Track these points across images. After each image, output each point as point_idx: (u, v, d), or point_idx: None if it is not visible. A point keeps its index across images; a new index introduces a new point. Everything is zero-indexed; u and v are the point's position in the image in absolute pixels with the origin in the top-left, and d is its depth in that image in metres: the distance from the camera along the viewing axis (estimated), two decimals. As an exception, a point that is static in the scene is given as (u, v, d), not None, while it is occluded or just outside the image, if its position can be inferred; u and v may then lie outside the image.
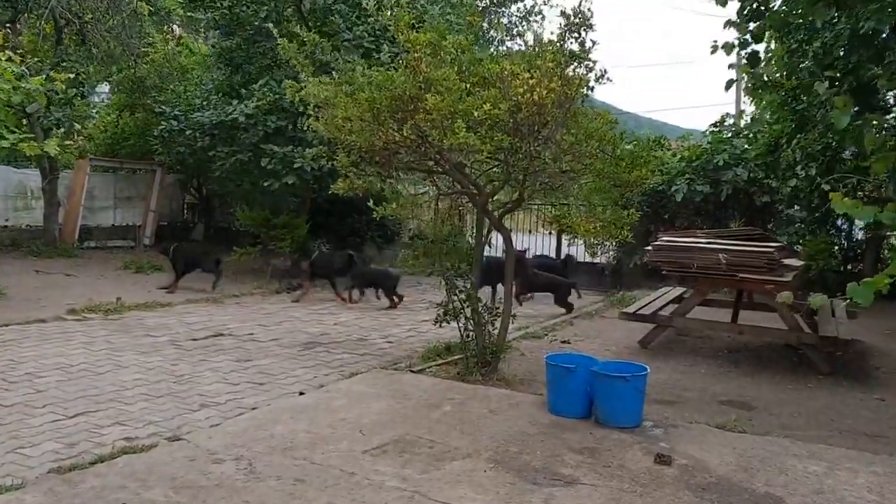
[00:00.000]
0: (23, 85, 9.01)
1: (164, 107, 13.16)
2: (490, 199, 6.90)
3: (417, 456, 4.75)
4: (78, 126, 13.95)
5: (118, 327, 8.73)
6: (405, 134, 6.29)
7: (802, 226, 13.17)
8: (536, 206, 15.41)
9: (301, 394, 6.11)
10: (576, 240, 6.85)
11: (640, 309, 8.89)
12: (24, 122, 13.59)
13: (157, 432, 5.13)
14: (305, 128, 7.69)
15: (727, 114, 15.26)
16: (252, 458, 4.59)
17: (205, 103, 12.76)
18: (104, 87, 18.81)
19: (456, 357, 7.48)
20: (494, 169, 6.70)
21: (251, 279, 13.01)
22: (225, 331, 8.79)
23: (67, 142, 8.94)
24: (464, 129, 5.61)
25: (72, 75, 9.66)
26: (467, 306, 6.80)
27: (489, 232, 7.16)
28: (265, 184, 11.48)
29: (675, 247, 8.34)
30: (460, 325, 6.88)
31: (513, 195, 6.92)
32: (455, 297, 6.80)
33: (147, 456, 4.58)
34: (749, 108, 17.98)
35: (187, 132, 12.58)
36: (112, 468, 4.36)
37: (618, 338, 9.21)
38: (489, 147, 5.84)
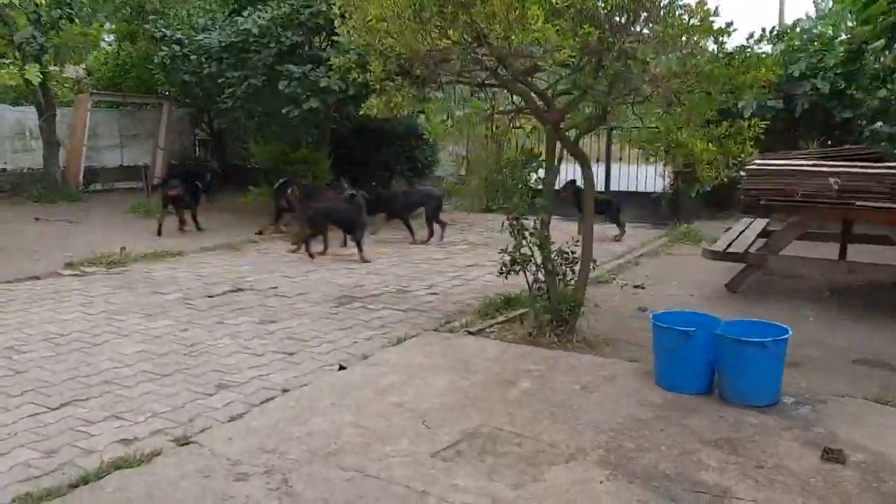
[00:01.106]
0: (-7, 1, 7.66)
1: (164, 30, 11.68)
2: (564, 117, 5.53)
3: (504, 458, 3.57)
4: (73, 56, 12.50)
5: (121, 283, 7.57)
6: (453, 37, 4.91)
7: (888, 144, 11.59)
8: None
9: (341, 367, 4.92)
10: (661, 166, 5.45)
11: (728, 246, 7.57)
12: (16, 54, 12.29)
13: (162, 429, 3.98)
14: (325, 45, 6.30)
15: (803, 17, 13.41)
16: (287, 469, 3.43)
17: (210, 23, 11.25)
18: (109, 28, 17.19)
19: (519, 311, 6.27)
20: (567, 77, 5.28)
21: (268, 222, 11.76)
22: (244, 284, 7.61)
23: (53, 67, 7.58)
24: (541, 19, 4.21)
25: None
26: (540, 252, 5.53)
27: (560, 159, 5.82)
28: (284, 111, 10.06)
29: (776, 171, 6.95)
30: (528, 274, 5.62)
31: (592, 110, 5.54)
32: (524, 242, 5.52)
33: (147, 471, 3.42)
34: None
35: (192, 58, 11.13)
36: (98, 494, 3.22)
37: (698, 279, 7.92)
38: (572, 44, 4.44)
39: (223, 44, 10.60)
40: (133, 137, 16.88)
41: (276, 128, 12.10)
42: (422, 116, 12.82)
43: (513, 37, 4.40)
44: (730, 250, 7.40)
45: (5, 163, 14.99)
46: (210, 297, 7.05)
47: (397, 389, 4.43)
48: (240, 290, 7.37)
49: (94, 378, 4.76)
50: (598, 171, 13.82)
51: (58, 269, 8.01)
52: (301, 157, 11.27)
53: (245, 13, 10.50)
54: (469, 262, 9.18)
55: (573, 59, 4.77)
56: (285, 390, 4.52)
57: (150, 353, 5.28)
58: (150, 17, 14.73)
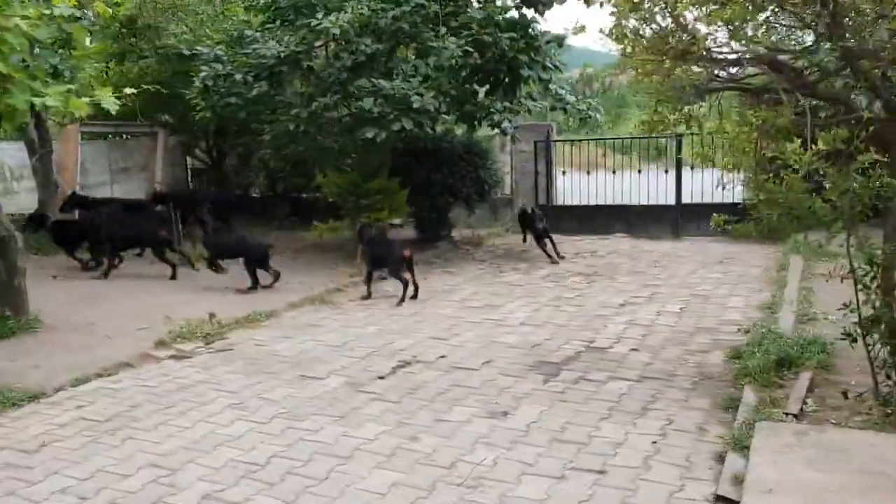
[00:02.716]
0: (46, 11, 5.91)
1: (199, 47, 9.89)
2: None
3: None
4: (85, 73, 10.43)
5: (246, 365, 5.88)
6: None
7: None
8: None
9: (728, 501, 3.48)
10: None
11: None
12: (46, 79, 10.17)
13: None
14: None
15: None
16: None
17: (258, 34, 9.55)
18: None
19: (806, 373, 4.99)
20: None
21: (334, 262, 10.16)
22: (403, 355, 6.04)
23: (129, 91, 5.81)
24: None
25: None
26: (884, 304, 4.26)
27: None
28: (369, 135, 8.48)
29: None
30: (870, 335, 4.34)
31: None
32: (872, 295, 4.24)
33: None
34: None
35: (236, 76, 9.42)
36: None
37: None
38: None
39: (283, 55, 8.94)
40: (123, 171, 14.87)
41: (319, 154, 10.51)
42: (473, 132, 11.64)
43: None
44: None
45: (-16, 208, 12.78)
46: (381, 378, 5.48)
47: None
48: (406, 363, 5.82)
49: (383, 549, 3.19)
50: (604, 179, 12.74)
51: (148, 350, 6.25)
52: (377, 188, 9.69)
53: (320, 15, 8.72)
54: (617, 300, 7.89)
55: None
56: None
57: (411, 488, 3.73)
58: (146, 36, 12.86)
